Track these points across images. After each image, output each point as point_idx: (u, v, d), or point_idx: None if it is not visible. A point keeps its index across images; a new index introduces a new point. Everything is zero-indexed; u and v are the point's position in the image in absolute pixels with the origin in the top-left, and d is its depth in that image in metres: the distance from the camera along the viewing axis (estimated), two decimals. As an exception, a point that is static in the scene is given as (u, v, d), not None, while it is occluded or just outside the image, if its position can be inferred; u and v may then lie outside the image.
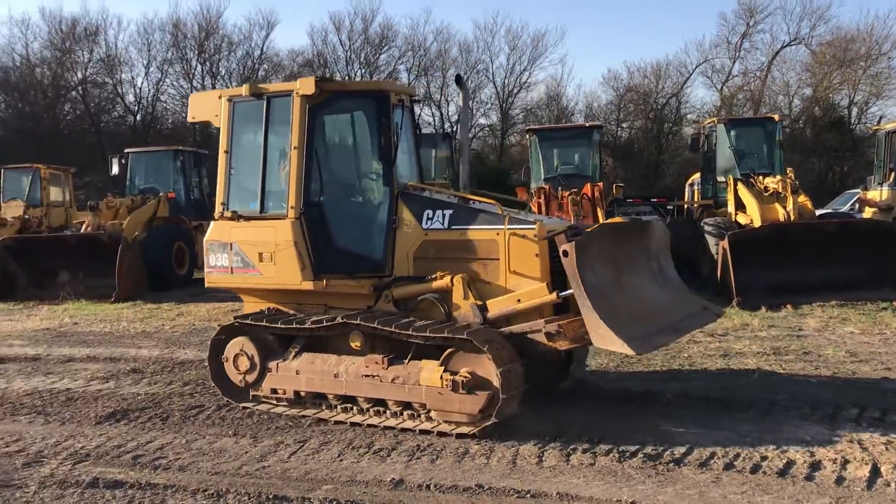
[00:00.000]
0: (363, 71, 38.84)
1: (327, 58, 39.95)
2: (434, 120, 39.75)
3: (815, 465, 5.30)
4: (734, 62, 39.20)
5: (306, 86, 6.85)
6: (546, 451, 5.74)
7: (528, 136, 18.06)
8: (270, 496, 5.06)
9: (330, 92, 7.03)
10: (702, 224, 15.17)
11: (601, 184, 15.57)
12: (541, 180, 16.62)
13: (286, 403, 6.97)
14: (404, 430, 6.29)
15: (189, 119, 8.14)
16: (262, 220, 7.08)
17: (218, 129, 7.48)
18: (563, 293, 6.14)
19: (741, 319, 11.28)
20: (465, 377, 6.03)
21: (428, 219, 6.82)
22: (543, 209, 15.46)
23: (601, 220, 14.49)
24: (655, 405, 6.94)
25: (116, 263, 15.37)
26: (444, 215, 6.78)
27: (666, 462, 5.45)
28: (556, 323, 6.11)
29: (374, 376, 6.49)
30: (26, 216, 19.07)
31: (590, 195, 15.21)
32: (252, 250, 7.06)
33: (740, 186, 14.92)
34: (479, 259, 6.61)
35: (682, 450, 5.68)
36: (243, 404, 7.11)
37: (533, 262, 6.40)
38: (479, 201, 7.04)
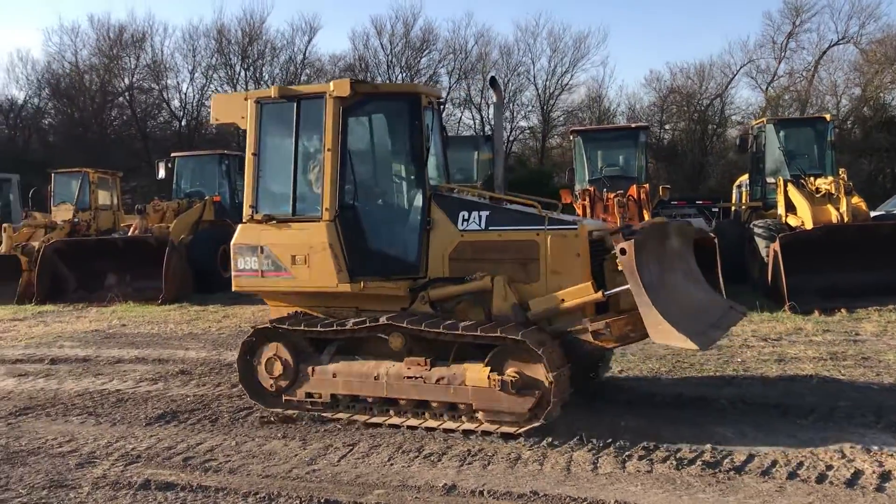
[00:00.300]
0: (404, 74, 38.87)
1: (369, 62, 40.09)
2: (474, 123, 39.70)
3: (886, 476, 5.09)
4: (780, 62, 38.45)
5: (341, 88, 6.80)
6: (601, 458, 5.61)
7: (572, 138, 17.84)
8: (322, 500, 5.01)
9: (363, 94, 6.96)
10: (751, 226, 14.83)
11: (647, 185, 15.29)
12: (585, 182, 16.41)
13: (321, 407, 6.90)
14: (452, 433, 6.23)
15: (212, 120, 7.94)
16: (294, 222, 6.99)
17: (242, 130, 7.44)
18: (609, 292, 6.17)
19: (794, 323, 11.00)
20: (514, 377, 6.07)
21: (463, 220, 6.80)
22: (588, 211, 15.26)
23: (647, 223, 14.27)
24: (710, 411, 6.76)
25: (163, 266, 15.57)
26: (480, 216, 6.76)
27: (726, 470, 5.28)
28: (603, 321, 6.10)
29: (417, 378, 6.45)
30: (75, 219, 19.37)
31: (636, 197, 14.96)
32: (284, 253, 6.94)
33: (791, 188, 14.58)
34: (518, 259, 6.60)
35: (742, 457, 5.50)
36: (273, 409, 7.03)
37: (574, 262, 6.41)
38: (514, 202, 7.06)
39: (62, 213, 19.67)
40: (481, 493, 5.05)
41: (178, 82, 40.59)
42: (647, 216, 14.62)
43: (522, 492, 5.01)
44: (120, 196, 22.43)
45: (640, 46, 58.97)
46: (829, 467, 5.27)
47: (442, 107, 7.86)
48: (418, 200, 6.98)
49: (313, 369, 6.88)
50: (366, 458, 5.84)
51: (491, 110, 39.10)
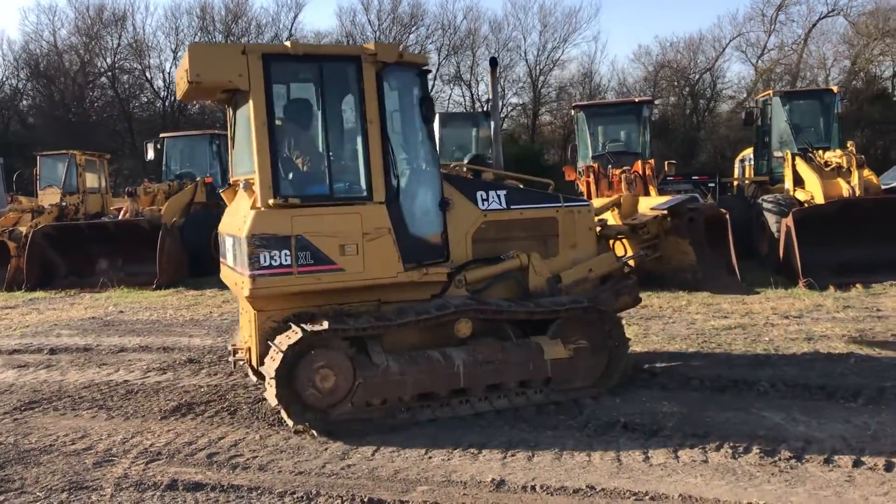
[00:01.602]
0: (392, 51, 38.26)
1: (356, 39, 39.43)
2: (464, 99, 39.24)
3: (955, 461, 4.85)
4: (769, 35, 38.30)
5: (387, 52, 6.15)
6: (650, 448, 5.33)
7: (574, 113, 17.53)
8: (365, 499, 4.69)
9: (391, 62, 6.22)
10: (759, 201, 14.60)
11: (652, 161, 15.01)
12: (588, 158, 16.12)
13: (382, 413, 6.07)
14: (487, 422, 5.95)
15: (190, 78, 5.98)
16: (335, 205, 6.08)
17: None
18: (625, 258, 7.49)
19: (812, 300, 10.79)
20: (583, 343, 6.51)
21: (483, 200, 6.71)
22: (593, 188, 14.99)
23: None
24: (752, 394, 6.50)
25: (157, 250, 15.12)
26: (499, 196, 6.80)
27: (786, 459, 5.02)
28: (626, 283, 7.20)
29: (494, 361, 6.26)
30: (63, 203, 18.84)
31: (641, 173, 14.68)
32: (330, 243, 5.99)
33: (799, 161, 14.36)
34: (540, 236, 6.93)
35: (799, 444, 5.25)
36: (330, 427, 5.92)
37: (588, 235, 7.11)
38: (521, 180, 7.72)
39: (49, 197, 19.13)
40: (533, 488, 4.76)
41: (160, 61, 40.09)
42: (652, 192, 14.35)
43: (577, 486, 4.73)
44: (108, 179, 21.89)
45: (631, 20, 58.50)
46: (895, 454, 5.02)
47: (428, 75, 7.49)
48: (434, 178, 6.57)
49: (371, 374, 5.95)
50: (401, 451, 5.53)
51: (482, 87, 38.71)
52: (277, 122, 6.09)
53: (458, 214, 6.57)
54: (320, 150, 6.20)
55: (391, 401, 6.08)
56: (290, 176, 6.27)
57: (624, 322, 7.00)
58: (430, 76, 7.03)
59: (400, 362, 6.07)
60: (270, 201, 5.89)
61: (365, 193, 6.13)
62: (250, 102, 5.97)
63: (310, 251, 5.92)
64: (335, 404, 5.92)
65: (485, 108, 34.46)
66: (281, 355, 5.71)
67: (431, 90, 38.27)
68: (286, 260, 5.86)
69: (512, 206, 6.79)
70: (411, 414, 6.11)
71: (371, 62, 6.16)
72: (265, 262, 5.83)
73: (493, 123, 8.00)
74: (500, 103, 37.39)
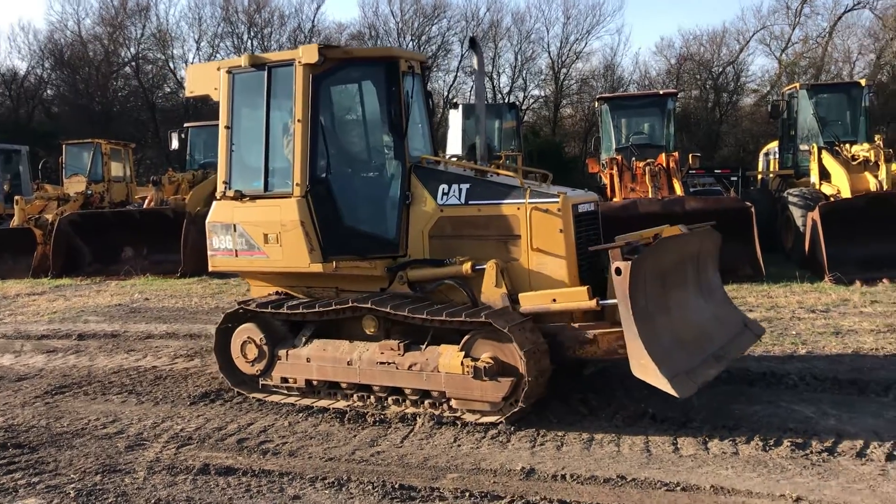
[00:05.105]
0: (414, 43, 38.22)
1: (379, 30, 39.41)
2: (488, 92, 39.09)
3: None
4: (794, 28, 37.76)
5: (309, 53, 6.34)
6: (679, 439, 5.32)
7: (598, 105, 17.42)
8: (396, 486, 4.72)
9: (335, 60, 6.51)
10: (784, 195, 14.47)
11: (676, 154, 14.90)
12: (612, 151, 16.02)
13: (298, 393, 6.57)
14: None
15: (187, 93, 7.56)
16: (266, 199, 6.61)
17: (217, 103, 6.99)
18: (604, 302, 5.63)
19: (839, 295, 10.69)
20: (488, 363, 5.63)
21: (443, 194, 6.39)
22: (616, 181, 14.91)
23: (678, 192, 13.91)
24: (782, 387, 6.46)
25: (181, 238, 15.22)
26: (460, 190, 6.34)
27: (817, 452, 4.99)
28: (592, 331, 5.69)
29: (389, 363, 6.07)
30: (88, 192, 18.99)
31: (665, 166, 14.58)
32: (256, 231, 6.61)
33: (825, 155, 14.20)
34: (500, 236, 6.19)
35: (831, 438, 5.21)
36: (254, 395, 6.70)
37: (557, 238, 5.98)
38: (498, 174, 6.63)
39: (75, 185, 19.28)
40: (563, 477, 4.76)
41: (184, 52, 40.15)
42: (676, 185, 14.27)
43: (608, 476, 4.73)
44: (133, 168, 22.04)
45: (655, 12, 57.95)
46: (928, 448, 4.99)
47: (428, 71, 7.43)
48: (397, 173, 6.59)
49: (287, 353, 6.53)
50: (430, 438, 5.56)
51: (504, 79, 38.59)
52: (234, 126, 6.85)
53: (418, 209, 6.47)
54: (262, 149, 6.68)
55: (300, 382, 6.52)
56: (240, 173, 6.89)
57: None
58: (415, 69, 6.73)
59: (310, 346, 6.44)
60: (223, 194, 6.81)
61: (289, 189, 6.49)
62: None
63: (244, 238, 6.72)
64: (262, 373, 6.66)
65: (506, 100, 34.46)
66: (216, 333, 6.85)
67: (453, 82, 38.34)
68: (229, 244, 6.79)
69: (470, 202, 6.29)
70: (330, 401, 6.41)
71: (301, 64, 6.41)
72: (217, 245, 6.89)
73: (477, 110, 7.37)
74: (521, 95, 37.20)
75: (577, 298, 5.75)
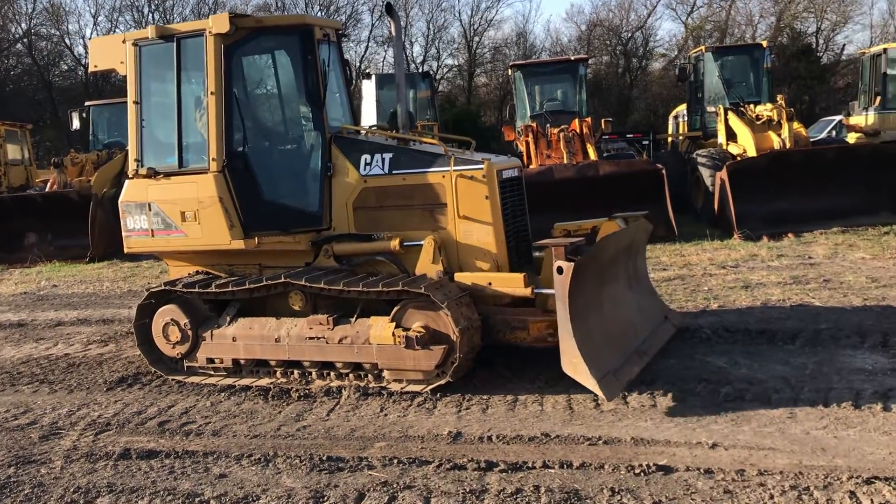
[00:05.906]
0: (323, 13, 37.50)
1: (286, 1, 38.47)
2: (398, 62, 38.71)
3: (887, 395, 5.08)
4: (698, -8, 38.66)
5: (220, 23, 6.17)
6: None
7: (511, 73, 17.49)
8: (324, 457, 4.69)
9: (247, 29, 6.35)
10: (693, 156, 14.90)
11: (589, 119, 15.13)
12: (527, 118, 16.15)
13: (223, 373, 6.43)
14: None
15: (91, 69, 7.24)
16: (182, 175, 6.45)
17: (123, 77, 6.76)
18: (539, 290, 5.70)
19: (747, 250, 11.11)
20: (419, 332, 5.58)
21: (366, 164, 6.29)
22: (532, 148, 15.04)
23: (592, 157, 14.12)
24: (696, 341, 6.69)
25: (88, 222, 14.65)
26: (383, 160, 6.24)
27: (732, 399, 5.20)
28: (524, 318, 5.71)
29: (319, 338, 5.99)
30: (-16, 177, 18.10)
31: (578, 131, 14.80)
32: (173, 210, 6.45)
33: (731, 116, 14.65)
34: (426, 205, 6.14)
35: (743, 386, 5.43)
36: (174, 377, 6.53)
37: (483, 205, 5.97)
38: (421, 142, 6.57)
39: (-31, 171, 18.33)
40: (490, 438, 4.82)
41: (80, 27, 38.41)
42: (590, 150, 14.49)
43: (533, 434, 4.82)
44: (31, 150, 21.04)
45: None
46: (832, 390, 5.25)
47: (343, 38, 7.30)
48: (317, 145, 6.49)
49: (211, 333, 6.38)
50: (355, 410, 5.54)
51: (416, 48, 38.31)
52: (143, 100, 6.64)
53: (340, 180, 6.37)
54: (175, 124, 6.53)
55: (227, 362, 6.38)
56: (152, 149, 6.71)
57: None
58: (327, 36, 6.54)
59: (235, 326, 6.29)
60: (135, 172, 6.65)
61: (205, 164, 6.36)
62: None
63: (160, 217, 6.54)
64: (186, 355, 6.50)
65: (420, 70, 34.26)
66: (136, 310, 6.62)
67: (365, 52, 37.89)
68: (144, 224, 6.62)
69: (394, 171, 6.19)
70: (253, 379, 6.30)
71: (212, 35, 6.24)
72: (131, 225, 6.71)
73: (396, 78, 7.21)
74: (435, 64, 36.98)
75: (513, 284, 5.78)
